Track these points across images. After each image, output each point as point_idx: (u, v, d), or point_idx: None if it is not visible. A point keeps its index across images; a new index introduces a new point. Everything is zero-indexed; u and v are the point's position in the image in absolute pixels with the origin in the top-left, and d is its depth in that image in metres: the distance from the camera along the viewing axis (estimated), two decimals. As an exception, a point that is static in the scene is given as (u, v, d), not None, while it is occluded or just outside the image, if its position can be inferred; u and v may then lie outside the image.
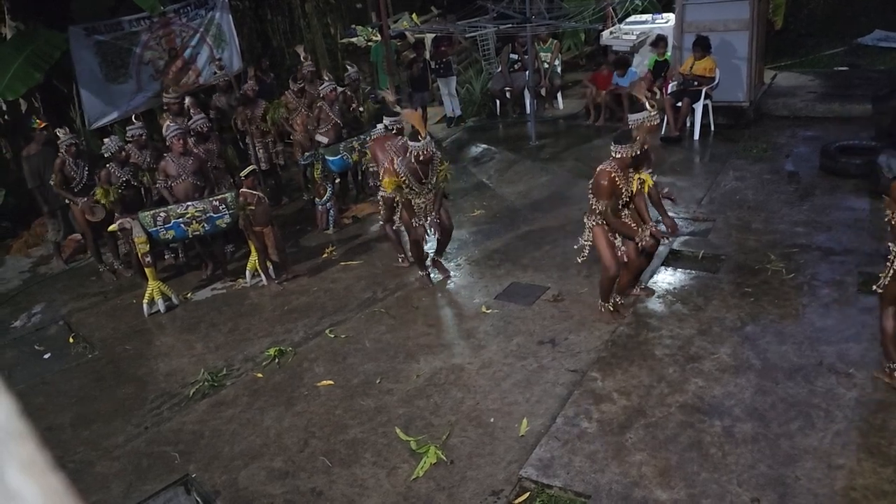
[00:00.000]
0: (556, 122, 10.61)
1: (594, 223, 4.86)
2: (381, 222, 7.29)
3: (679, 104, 8.70)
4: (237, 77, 8.91)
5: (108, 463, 4.32)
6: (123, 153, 6.80)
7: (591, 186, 4.84)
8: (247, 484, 3.95)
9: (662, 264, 5.76)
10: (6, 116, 9.25)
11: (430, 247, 6.33)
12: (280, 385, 4.89)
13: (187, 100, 7.81)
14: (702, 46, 8.55)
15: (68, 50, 8.05)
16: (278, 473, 4.00)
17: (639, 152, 4.61)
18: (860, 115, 8.78)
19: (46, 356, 5.87)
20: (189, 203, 6.28)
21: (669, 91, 8.98)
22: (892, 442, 3.60)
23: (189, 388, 4.98)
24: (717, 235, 6.19)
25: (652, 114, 4.71)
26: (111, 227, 6.29)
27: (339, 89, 8.12)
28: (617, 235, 4.93)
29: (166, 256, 7.42)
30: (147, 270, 6.23)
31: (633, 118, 4.83)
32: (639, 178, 4.74)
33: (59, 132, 6.89)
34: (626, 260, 4.93)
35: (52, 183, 6.93)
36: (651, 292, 5.33)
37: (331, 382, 4.81)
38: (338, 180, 7.94)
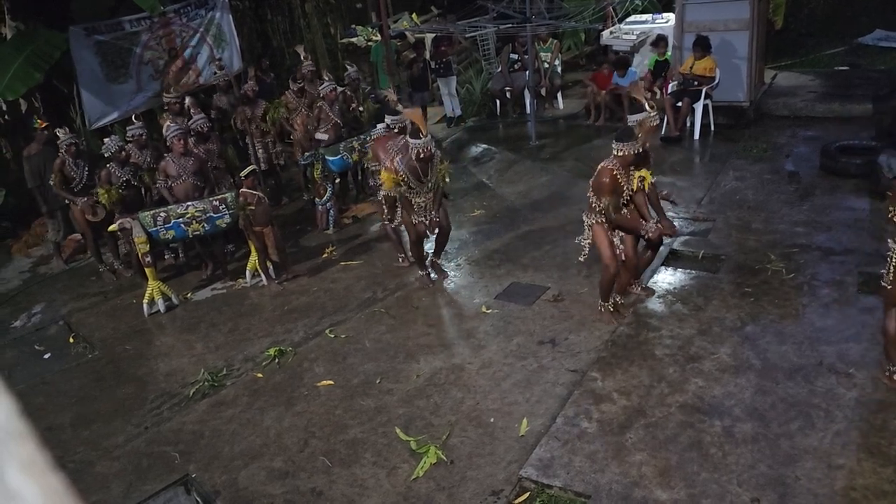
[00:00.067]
0: (556, 122, 10.61)
1: (594, 221, 4.86)
2: (382, 222, 7.32)
3: (679, 104, 8.70)
4: (237, 77, 8.91)
5: (108, 463, 4.32)
6: (123, 153, 6.80)
7: (591, 185, 4.84)
8: (247, 484, 3.95)
9: (662, 264, 5.76)
10: (6, 116, 9.25)
11: (428, 247, 6.33)
12: (280, 385, 4.89)
13: (187, 100, 7.81)
14: (702, 46, 8.55)
15: (68, 50, 8.05)
16: (278, 473, 4.00)
17: (641, 150, 4.62)
18: (860, 114, 8.78)
19: (46, 356, 5.87)
20: (189, 203, 6.29)
21: (669, 91, 8.98)
22: (893, 442, 3.60)
23: (189, 388, 4.98)
24: (718, 235, 6.19)
25: (651, 114, 4.71)
26: (111, 227, 6.29)
27: (339, 89, 8.12)
28: (616, 234, 4.93)
29: (166, 256, 7.42)
30: (147, 270, 6.23)
31: (632, 118, 4.84)
32: (639, 176, 4.75)
33: (59, 132, 6.89)
34: (623, 258, 4.94)
35: (51, 183, 6.93)
36: (651, 292, 5.33)
37: (331, 382, 4.81)
38: (338, 180, 7.93)
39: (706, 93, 8.71)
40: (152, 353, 5.70)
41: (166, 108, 7.81)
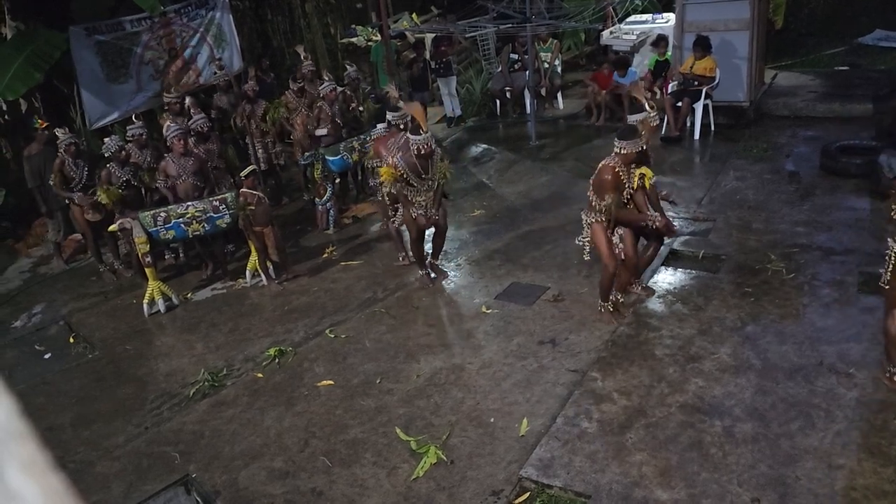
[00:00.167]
0: (557, 122, 10.61)
1: (593, 220, 4.86)
2: (382, 221, 7.32)
3: (679, 104, 8.70)
4: (237, 77, 8.91)
5: (108, 463, 4.32)
6: (123, 153, 6.80)
7: (592, 184, 4.83)
8: (247, 484, 3.95)
9: (663, 264, 5.76)
10: (6, 116, 9.25)
11: (427, 248, 6.33)
12: (280, 385, 4.89)
13: (187, 100, 7.81)
14: (702, 46, 8.55)
15: (68, 50, 8.06)
16: (278, 473, 4.00)
17: (643, 147, 4.62)
18: (861, 114, 8.78)
19: (47, 356, 5.87)
20: (189, 203, 6.29)
21: (669, 91, 8.97)
22: (893, 442, 3.60)
23: (189, 389, 4.98)
24: (718, 235, 6.19)
25: (651, 114, 4.71)
26: (111, 228, 6.29)
27: (339, 89, 8.13)
28: (615, 233, 4.93)
29: (166, 256, 7.42)
30: (147, 270, 6.23)
31: (633, 118, 4.84)
32: (640, 174, 4.74)
33: (58, 132, 6.89)
34: (623, 257, 4.93)
35: (51, 183, 6.93)
36: (651, 292, 5.33)
37: (331, 382, 4.81)
38: (338, 180, 7.94)
39: (706, 93, 8.71)
40: (152, 353, 5.70)
41: (166, 108, 7.81)
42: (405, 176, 5.54)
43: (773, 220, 6.39)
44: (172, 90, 8.20)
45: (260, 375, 5.04)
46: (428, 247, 6.23)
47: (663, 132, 8.70)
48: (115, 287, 7.05)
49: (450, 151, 9.55)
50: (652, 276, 5.57)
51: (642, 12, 12.00)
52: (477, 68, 12.26)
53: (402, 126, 6.27)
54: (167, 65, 8.92)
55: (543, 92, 10.77)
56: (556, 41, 11.15)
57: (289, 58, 11.96)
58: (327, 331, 5.50)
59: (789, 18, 11.85)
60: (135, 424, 4.68)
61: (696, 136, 8.86)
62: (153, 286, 6.24)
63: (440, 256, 6.22)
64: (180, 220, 6.24)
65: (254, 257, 6.43)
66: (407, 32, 12.91)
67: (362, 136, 7.75)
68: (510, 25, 9.38)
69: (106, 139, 6.93)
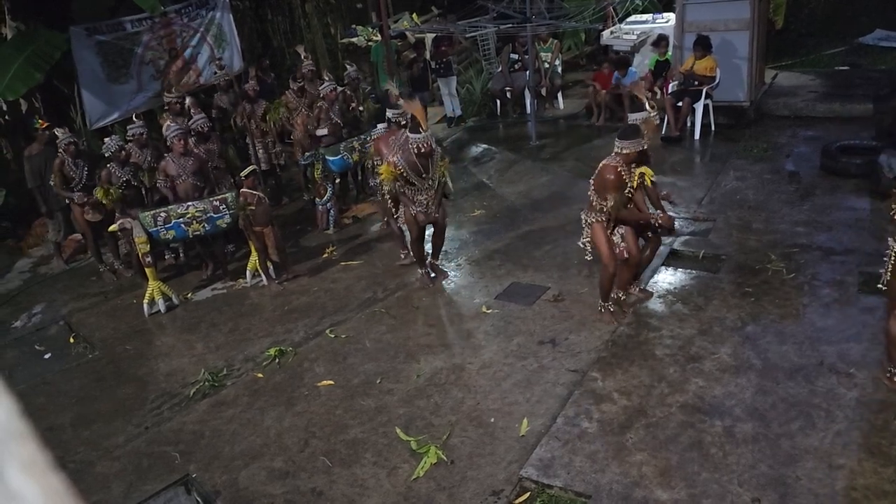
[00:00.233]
0: (557, 122, 10.60)
1: (593, 220, 4.85)
2: (382, 221, 7.32)
3: (679, 104, 8.70)
4: (238, 77, 8.91)
5: (108, 463, 4.32)
6: (123, 153, 6.81)
7: (592, 184, 4.82)
8: (247, 484, 3.95)
9: (663, 264, 5.76)
10: (7, 116, 9.25)
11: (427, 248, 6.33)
12: (280, 385, 4.89)
13: (188, 100, 7.81)
14: (702, 46, 8.55)
15: (69, 50, 8.06)
16: (279, 473, 4.00)
17: (646, 147, 4.60)
18: (861, 114, 8.77)
19: (47, 356, 5.87)
20: (189, 203, 6.29)
21: (670, 91, 8.97)
22: (893, 442, 3.60)
23: (189, 388, 4.98)
24: (718, 235, 6.19)
25: (652, 113, 4.70)
26: (111, 228, 6.30)
27: (339, 89, 8.13)
28: (616, 232, 4.92)
29: (167, 256, 7.42)
30: (147, 270, 6.23)
31: (633, 117, 4.83)
32: (639, 173, 4.71)
33: (58, 132, 6.89)
34: (626, 256, 4.92)
35: (52, 183, 6.93)
36: (649, 294, 5.31)
37: (331, 382, 4.81)
38: (338, 180, 7.94)
39: (706, 93, 8.71)
40: (153, 353, 5.70)
41: (166, 107, 7.81)
42: (405, 175, 5.53)
43: (773, 220, 6.39)
44: (173, 90, 8.20)
45: (260, 375, 5.04)
46: (428, 247, 6.23)
47: (663, 132, 8.69)
48: (116, 287, 7.05)
49: (450, 151, 9.54)
50: (652, 276, 5.57)
51: (642, 12, 12.00)
52: (477, 68, 12.26)
53: (402, 123, 6.27)
54: (168, 65, 8.93)
55: (544, 92, 10.77)
56: (556, 41, 11.15)
57: (289, 58, 11.96)
58: (327, 331, 5.50)
59: (789, 18, 11.84)
60: (135, 424, 4.68)
61: (697, 136, 8.86)
62: (153, 286, 6.24)
63: (440, 256, 6.22)
64: (180, 220, 6.24)
65: (254, 257, 6.44)
66: (407, 32, 12.91)
67: (362, 136, 7.75)
68: (510, 25, 9.38)
69: (106, 139, 6.93)
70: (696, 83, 8.65)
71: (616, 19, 11.84)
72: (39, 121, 7.80)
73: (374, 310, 5.75)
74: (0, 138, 9.13)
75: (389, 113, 6.51)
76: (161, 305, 6.27)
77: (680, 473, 3.55)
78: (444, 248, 6.24)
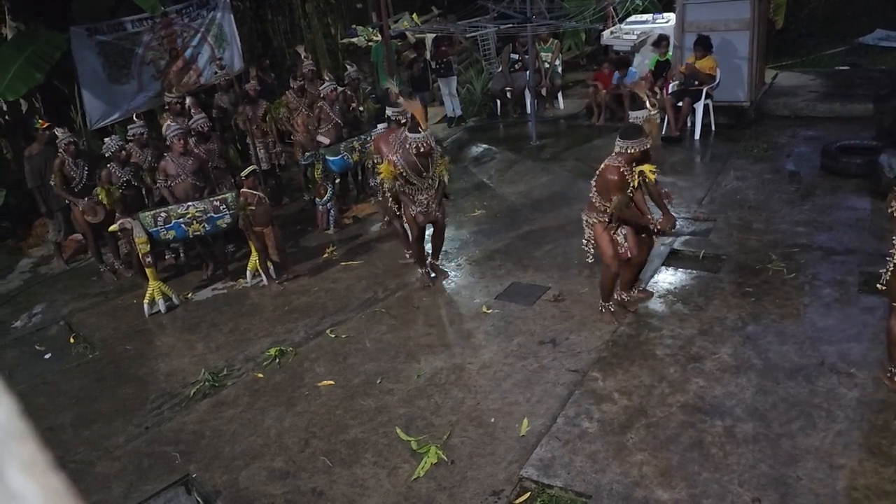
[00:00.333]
0: (557, 122, 10.60)
1: (595, 220, 4.83)
2: (383, 221, 7.32)
3: (680, 104, 8.70)
4: (238, 77, 8.91)
5: (108, 463, 4.32)
6: (124, 153, 6.81)
7: (594, 185, 4.80)
8: (247, 484, 3.95)
9: (663, 264, 5.76)
10: (7, 117, 9.25)
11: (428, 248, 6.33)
12: (281, 385, 4.89)
13: (188, 99, 7.81)
14: (703, 45, 8.55)
15: (69, 50, 8.06)
16: (279, 473, 4.00)
17: (648, 146, 4.56)
18: (861, 114, 8.77)
19: (47, 356, 5.87)
20: (190, 203, 6.29)
21: (670, 91, 8.97)
22: (894, 442, 3.60)
23: (190, 388, 4.98)
24: (718, 235, 6.18)
25: (652, 112, 4.69)
26: (112, 228, 6.29)
27: (340, 89, 8.13)
28: (619, 232, 4.90)
29: (167, 256, 7.42)
30: (148, 270, 6.23)
31: (634, 115, 4.81)
32: (639, 171, 4.68)
33: (58, 131, 6.89)
34: (629, 255, 4.91)
35: (52, 183, 6.93)
36: (650, 294, 5.31)
37: (331, 382, 4.81)
38: (338, 180, 7.94)
39: (707, 93, 8.70)
40: (153, 353, 5.70)
41: (167, 107, 7.81)
42: (405, 175, 5.53)
43: (773, 219, 6.38)
44: (173, 90, 8.20)
45: (260, 375, 5.04)
46: (427, 247, 6.22)
47: (664, 132, 8.69)
48: (116, 287, 7.05)
49: (450, 151, 9.54)
50: (652, 276, 5.57)
51: (643, 12, 12.00)
52: (477, 68, 12.26)
53: (401, 121, 6.27)
54: (168, 65, 8.93)
55: (544, 92, 10.77)
56: (556, 41, 11.15)
57: (289, 58, 11.96)
58: (328, 331, 5.50)
59: (790, 18, 11.84)
60: (135, 424, 4.68)
61: (697, 136, 8.86)
62: (154, 286, 6.24)
63: (440, 256, 6.22)
64: (181, 220, 6.24)
65: (254, 257, 6.44)
66: (407, 32, 12.91)
67: (363, 136, 7.75)
68: (511, 25, 9.38)
69: (106, 139, 6.93)
70: (697, 83, 8.65)
71: (616, 19, 11.84)
72: (40, 121, 7.80)
73: (374, 310, 5.75)
74: (0, 138, 9.13)
75: (389, 111, 6.52)
76: (161, 305, 6.27)
77: (680, 473, 3.55)
78: (444, 248, 6.24)
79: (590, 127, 10.09)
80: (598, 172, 4.76)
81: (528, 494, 3.58)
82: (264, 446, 4.26)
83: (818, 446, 3.62)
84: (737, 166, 7.81)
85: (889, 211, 3.76)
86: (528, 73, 10.10)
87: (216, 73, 8.54)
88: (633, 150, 4.54)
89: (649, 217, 4.84)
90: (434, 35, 11.65)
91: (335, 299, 6.07)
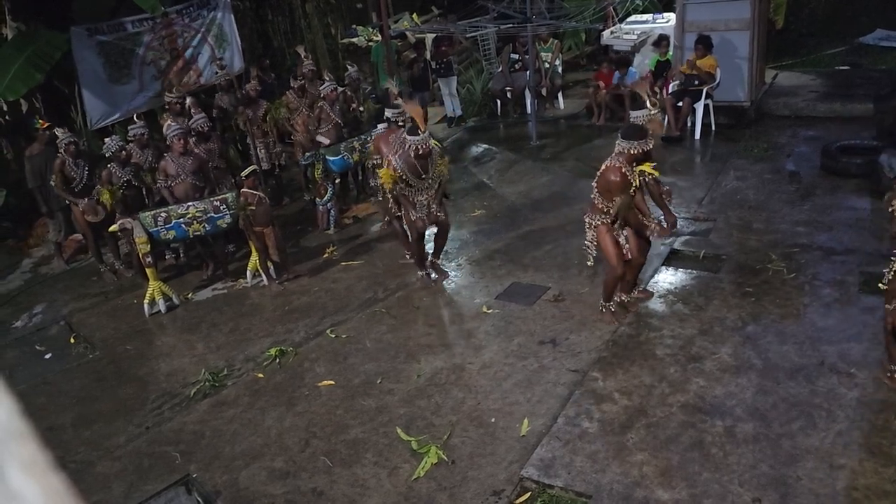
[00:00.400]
0: (557, 122, 10.60)
1: (598, 222, 4.81)
2: (383, 221, 7.32)
3: (680, 104, 8.70)
4: (238, 77, 8.91)
5: (109, 463, 4.32)
6: (124, 153, 6.81)
7: (596, 186, 4.78)
8: (248, 484, 3.95)
9: (663, 264, 5.76)
10: (7, 117, 9.25)
11: (428, 248, 6.33)
12: (281, 385, 4.89)
13: (188, 99, 7.81)
14: (704, 45, 8.54)
15: (69, 50, 8.06)
16: (279, 473, 4.00)
17: (651, 146, 4.55)
18: (861, 114, 8.77)
19: (47, 356, 5.87)
20: (190, 203, 6.29)
21: (670, 91, 8.97)
22: (894, 442, 3.60)
23: (190, 388, 4.98)
24: (718, 235, 6.18)
25: (653, 112, 4.68)
26: (112, 228, 6.30)
27: (340, 89, 8.13)
28: (620, 233, 4.90)
29: (167, 256, 7.42)
30: (148, 271, 6.23)
31: (635, 115, 4.80)
32: (639, 171, 4.67)
33: (58, 132, 6.89)
34: (629, 257, 4.90)
35: (52, 184, 6.93)
36: (650, 294, 5.31)
37: (332, 382, 4.81)
38: (338, 180, 7.94)
39: (707, 93, 8.70)
40: (153, 353, 5.70)
41: (167, 107, 7.81)
42: (405, 177, 5.53)
43: (773, 219, 6.38)
44: (174, 90, 8.20)
45: (261, 375, 5.04)
46: (429, 247, 6.23)
47: (664, 132, 8.68)
48: (116, 287, 7.05)
49: (450, 151, 9.54)
50: (653, 276, 5.57)
51: (643, 12, 12.00)
52: (477, 68, 12.26)
53: (400, 123, 6.27)
54: (169, 65, 8.93)
55: (544, 92, 10.77)
56: (556, 41, 11.15)
57: (289, 58, 11.96)
58: (328, 331, 5.50)
59: (790, 18, 11.84)
60: (136, 424, 4.68)
61: (697, 135, 8.86)
62: (154, 286, 6.24)
63: (441, 256, 6.21)
64: (181, 220, 6.24)
65: (254, 257, 6.44)
66: (407, 32, 12.91)
67: (363, 136, 7.75)
68: (511, 25, 9.38)
69: (106, 139, 6.93)
70: (697, 82, 8.65)
71: (616, 19, 11.84)
72: (40, 121, 7.80)
73: (374, 310, 5.75)
74: (0, 138, 9.14)
75: (388, 112, 6.51)
76: (161, 305, 6.28)
77: (681, 473, 3.55)
78: (444, 248, 6.24)
79: (590, 127, 10.09)
80: (599, 173, 4.74)
81: (528, 494, 3.58)
82: (264, 446, 4.26)
83: (818, 446, 3.62)
84: (737, 166, 7.81)
85: (889, 210, 3.76)
86: (528, 73, 10.10)
87: (217, 73, 8.55)
88: (636, 150, 4.52)
89: (650, 218, 4.84)
90: (434, 35, 11.65)
91: (335, 299, 6.07)
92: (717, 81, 8.70)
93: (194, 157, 6.64)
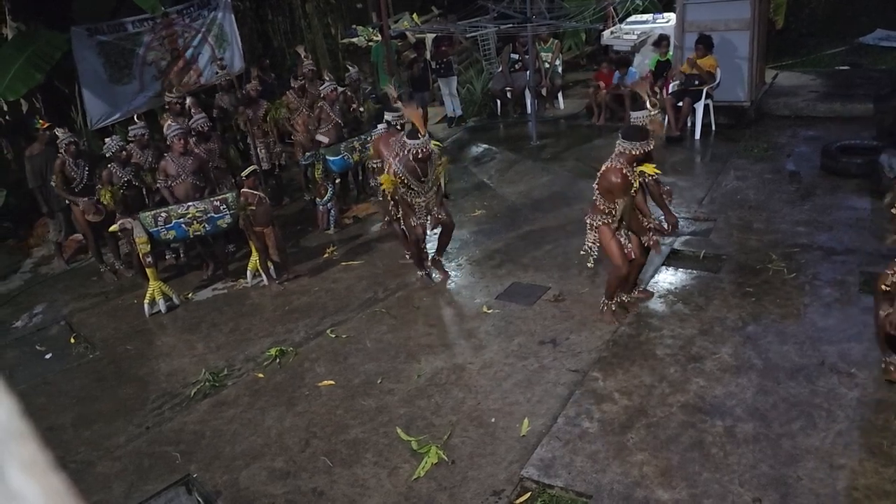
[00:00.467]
0: (557, 122, 10.60)
1: (600, 223, 4.80)
2: (383, 221, 7.32)
3: (680, 104, 8.70)
4: (239, 77, 8.91)
5: (109, 463, 4.32)
6: (124, 153, 6.81)
7: (596, 187, 4.77)
8: (248, 484, 3.95)
9: (664, 264, 5.76)
10: (7, 117, 9.26)
11: (430, 246, 6.33)
12: (281, 385, 4.89)
13: (188, 100, 7.81)
14: (705, 44, 8.54)
15: (69, 50, 8.06)
16: (279, 473, 4.00)
17: (651, 147, 4.54)
18: (861, 114, 8.77)
19: (48, 356, 5.87)
20: (190, 203, 6.29)
21: (670, 91, 8.97)
22: (894, 442, 3.59)
23: (190, 388, 4.98)
24: (719, 235, 6.18)
25: (653, 112, 4.68)
26: (112, 228, 6.30)
27: (340, 90, 8.13)
28: (623, 233, 4.89)
29: (167, 256, 7.42)
30: (148, 270, 6.23)
31: (635, 116, 4.80)
32: (640, 172, 4.67)
33: (58, 132, 6.90)
34: (632, 257, 4.90)
35: (52, 184, 6.93)
36: (650, 294, 5.30)
37: (332, 382, 4.81)
38: (338, 180, 7.94)
39: (707, 92, 8.70)
40: (153, 353, 5.70)
41: (167, 108, 7.81)
42: (405, 181, 5.54)
43: (773, 219, 6.38)
44: (174, 90, 8.20)
45: (261, 375, 5.04)
46: (431, 246, 6.22)
47: (664, 132, 8.68)
48: (116, 287, 7.05)
49: (450, 151, 9.55)
50: (653, 276, 5.56)
51: (643, 12, 12.00)
52: (477, 68, 12.26)
53: (399, 126, 6.28)
54: (169, 65, 8.93)
55: (544, 92, 10.77)
56: (556, 41, 11.15)
57: (289, 58, 11.96)
58: (328, 331, 5.50)
59: (790, 18, 11.84)
60: (136, 424, 4.68)
61: (697, 135, 8.86)
62: (154, 286, 6.24)
63: (443, 255, 6.21)
64: (181, 220, 6.24)
65: (254, 257, 6.44)
66: (407, 32, 12.91)
67: (363, 136, 7.75)
68: (511, 25, 9.38)
69: (107, 139, 6.94)
70: (697, 82, 8.65)
71: (616, 19, 11.84)
72: (40, 121, 7.80)
73: (374, 310, 5.75)
74: (1, 138, 9.14)
75: (388, 116, 6.52)
76: (162, 305, 6.28)
77: (681, 473, 3.54)
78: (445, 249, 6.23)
79: (590, 127, 10.09)
80: (599, 174, 4.73)
81: (528, 494, 3.58)
82: (265, 446, 4.26)
83: (818, 446, 3.62)
84: (737, 166, 7.81)
85: (892, 210, 3.76)
86: (528, 73, 10.10)
87: (217, 73, 8.55)
88: (638, 151, 4.52)
89: (651, 219, 4.84)
90: (434, 35, 11.65)
91: (335, 299, 6.07)
92: (717, 81, 8.70)
93: (194, 158, 6.64)
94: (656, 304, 5.22)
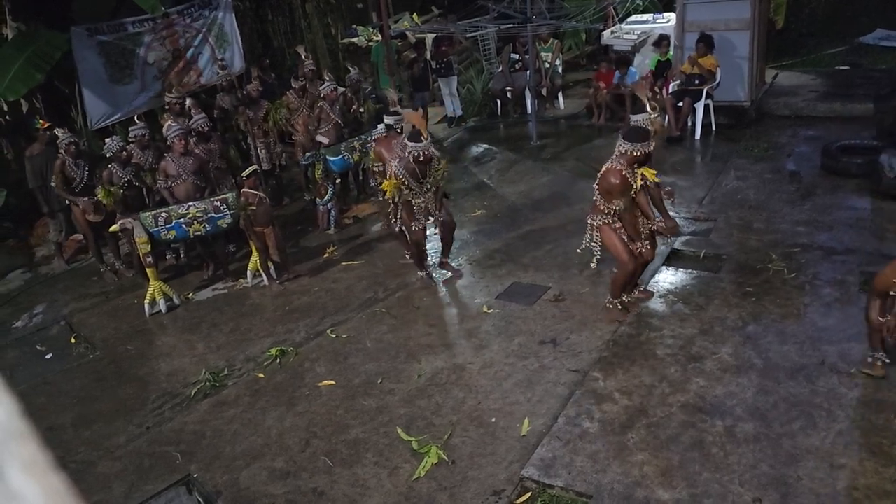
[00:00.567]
0: (557, 122, 10.60)
1: (601, 223, 4.81)
2: (382, 220, 7.32)
3: (680, 104, 8.70)
4: (239, 77, 8.91)
5: (109, 463, 4.32)
6: (125, 153, 6.81)
7: (597, 188, 4.78)
8: (248, 484, 3.95)
9: (664, 264, 5.76)
10: (7, 117, 9.26)
11: (431, 247, 6.33)
12: (281, 385, 4.89)
13: (188, 100, 7.81)
14: (706, 43, 8.54)
15: (69, 50, 8.06)
16: (280, 473, 4.00)
17: (652, 148, 4.54)
18: (862, 114, 8.77)
19: (48, 356, 5.87)
20: (190, 203, 6.29)
21: (671, 91, 8.97)
22: (894, 442, 3.59)
23: (191, 388, 4.98)
24: (719, 235, 6.18)
25: (653, 114, 4.68)
26: (112, 228, 6.30)
27: (340, 90, 8.13)
28: (624, 231, 4.89)
29: (167, 257, 7.42)
30: (148, 271, 6.23)
31: (635, 118, 4.80)
32: (640, 173, 4.67)
33: (59, 132, 6.90)
34: (644, 257, 4.91)
35: (52, 184, 6.93)
36: (650, 294, 5.30)
37: (332, 382, 4.81)
38: (339, 180, 7.94)
39: (707, 92, 8.70)
40: (154, 353, 5.70)
41: (167, 108, 7.81)
42: (406, 183, 5.55)
43: (774, 219, 6.38)
44: (174, 90, 8.20)
45: (261, 375, 5.04)
46: (430, 246, 6.22)
47: (665, 133, 8.68)
48: (117, 287, 7.06)
49: (451, 151, 9.55)
50: (653, 276, 5.56)
51: (643, 12, 12.00)
52: (478, 68, 12.26)
53: (398, 130, 6.29)
54: (170, 65, 8.93)
55: (544, 92, 10.77)
56: (556, 41, 11.15)
57: (289, 58, 11.96)
58: (328, 331, 5.50)
59: (790, 18, 11.84)
60: (136, 424, 4.68)
61: (697, 135, 8.86)
62: (154, 286, 6.24)
63: (449, 255, 6.19)
64: (181, 220, 6.24)
65: (255, 257, 6.44)
66: (407, 32, 12.91)
67: (363, 137, 7.76)
68: (511, 25, 9.38)
69: (107, 139, 6.94)
70: (697, 82, 8.65)
71: (616, 19, 11.84)
72: (40, 121, 7.81)
73: (375, 310, 5.75)
74: (1, 138, 9.14)
75: (388, 119, 6.51)
76: (162, 305, 6.28)
77: (681, 473, 3.54)
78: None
79: (590, 127, 10.09)
80: (600, 175, 4.74)
81: (528, 494, 3.58)
82: (265, 446, 4.26)
83: (819, 446, 3.62)
84: (737, 166, 7.81)
85: None
86: (528, 73, 10.10)
87: (217, 73, 8.55)
88: (638, 152, 4.52)
89: (652, 219, 4.84)
90: (434, 35, 11.65)
91: (336, 299, 6.07)
92: (717, 81, 8.70)
93: (195, 158, 6.65)
94: (656, 304, 5.22)
